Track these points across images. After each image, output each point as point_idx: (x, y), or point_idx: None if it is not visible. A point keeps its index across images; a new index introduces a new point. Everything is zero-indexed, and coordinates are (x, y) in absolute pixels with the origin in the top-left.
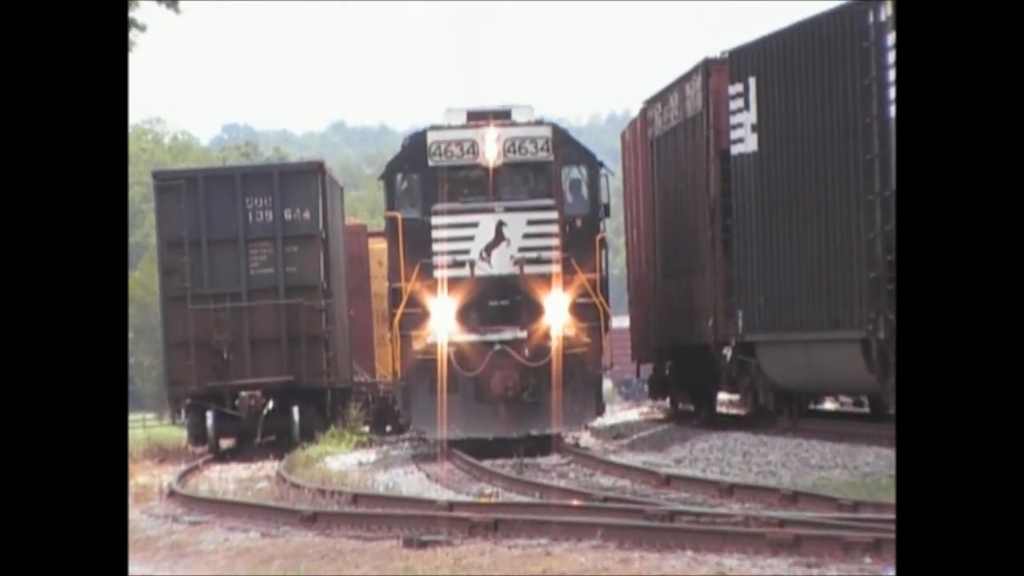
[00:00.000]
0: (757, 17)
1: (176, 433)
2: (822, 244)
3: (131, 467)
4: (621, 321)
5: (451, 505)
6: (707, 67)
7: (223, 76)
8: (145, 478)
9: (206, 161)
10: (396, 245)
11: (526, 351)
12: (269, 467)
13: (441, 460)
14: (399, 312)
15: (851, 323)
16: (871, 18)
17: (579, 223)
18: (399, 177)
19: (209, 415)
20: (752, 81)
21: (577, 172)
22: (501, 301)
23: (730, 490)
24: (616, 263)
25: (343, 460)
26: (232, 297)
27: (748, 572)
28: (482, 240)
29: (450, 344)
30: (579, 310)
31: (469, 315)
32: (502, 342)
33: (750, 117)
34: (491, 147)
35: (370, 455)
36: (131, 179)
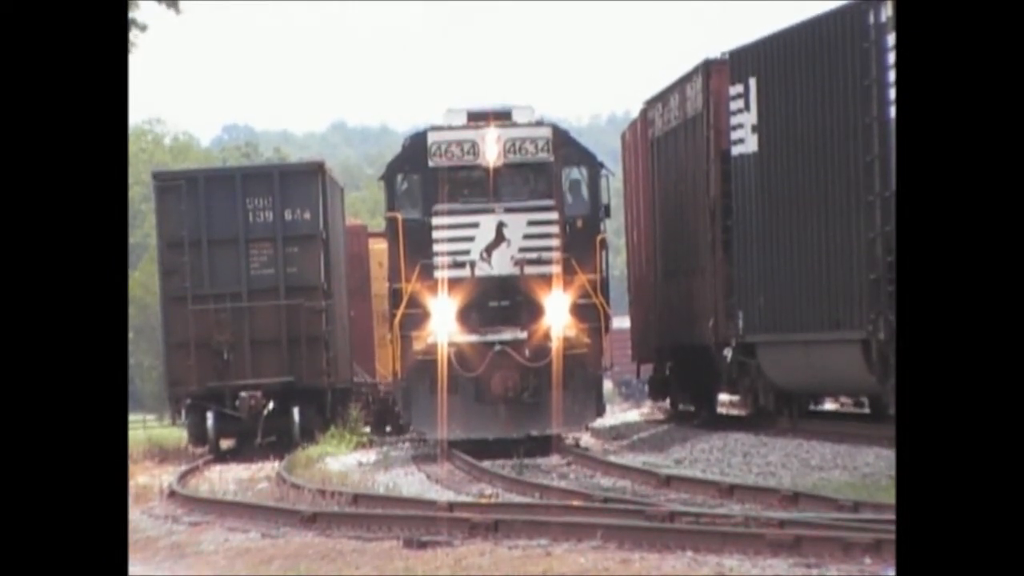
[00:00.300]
0: (757, 18)
1: (176, 433)
2: (822, 245)
3: (131, 467)
4: (621, 322)
5: (451, 506)
6: (707, 68)
7: (223, 76)
8: (145, 478)
9: (206, 161)
10: (396, 246)
11: (526, 352)
12: (269, 467)
13: (441, 461)
14: (399, 313)
15: (851, 324)
16: (871, 19)
17: (579, 224)
18: (399, 178)
19: (209, 415)
20: (752, 82)
21: (577, 173)
22: (501, 302)
23: (730, 491)
24: (616, 264)
25: (343, 461)
26: (232, 297)
27: (748, 573)
28: (482, 241)
29: (450, 345)
30: (579, 311)
31: (469, 316)
32: (502, 343)
33: (750, 118)
34: (491, 148)
35: (370, 456)
36: (131, 179)
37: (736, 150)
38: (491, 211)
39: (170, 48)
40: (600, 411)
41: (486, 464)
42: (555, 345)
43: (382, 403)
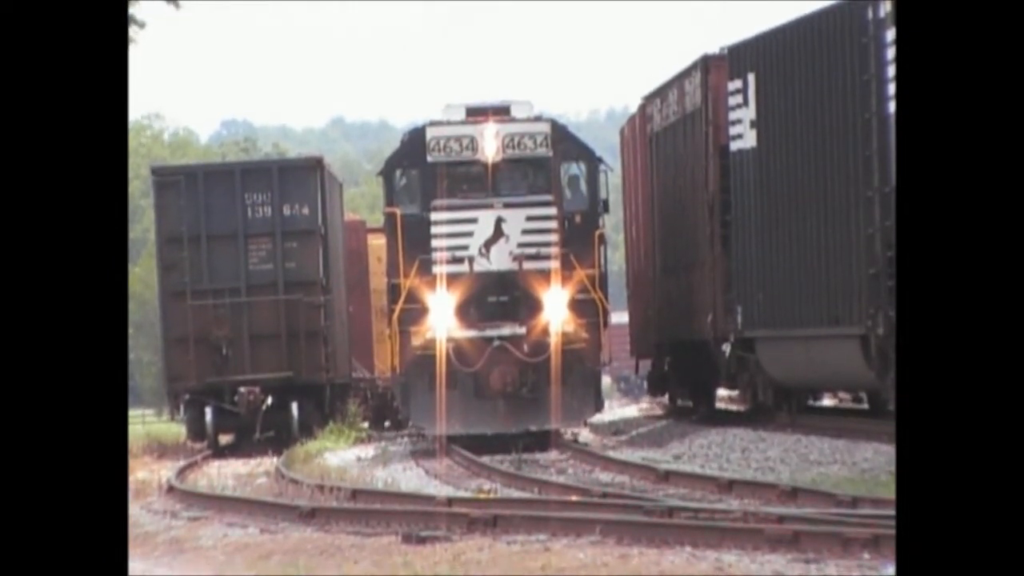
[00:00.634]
0: (756, 14)
1: (175, 429)
2: (821, 240)
3: (130, 463)
4: (620, 317)
5: (450, 501)
6: (706, 63)
7: (222, 72)
8: (144, 474)
9: (205, 157)
10: (395, 241)
11: (525, 347)
12: (268, 463)
13: (440, 456)
14: (398, 308)
15: (850, 319)
16: (870, 14)
17: (578, 219)
18: (398, 173)
19: (208, 411)
20: (751, 77)
21: (576, 168)
22: (500, 297)
23: (729, 486)
24: (615, 259)
25: (342, 456)
26: (231, 293)
27: (747, 568)
28: (481, 236)
29: (449, 340)
30: (578, 306)
31: (468, 311)
32: (501, 338)
33: (749, 113)
34: (490, 143)
35: (369, 451)
36: (130, 174)
37: (735, 145)
38: (490, 206)
39: (169, 44)
40: (599, 406)
41: (485, 459)
42: (554, 340)
43: (381, 398)
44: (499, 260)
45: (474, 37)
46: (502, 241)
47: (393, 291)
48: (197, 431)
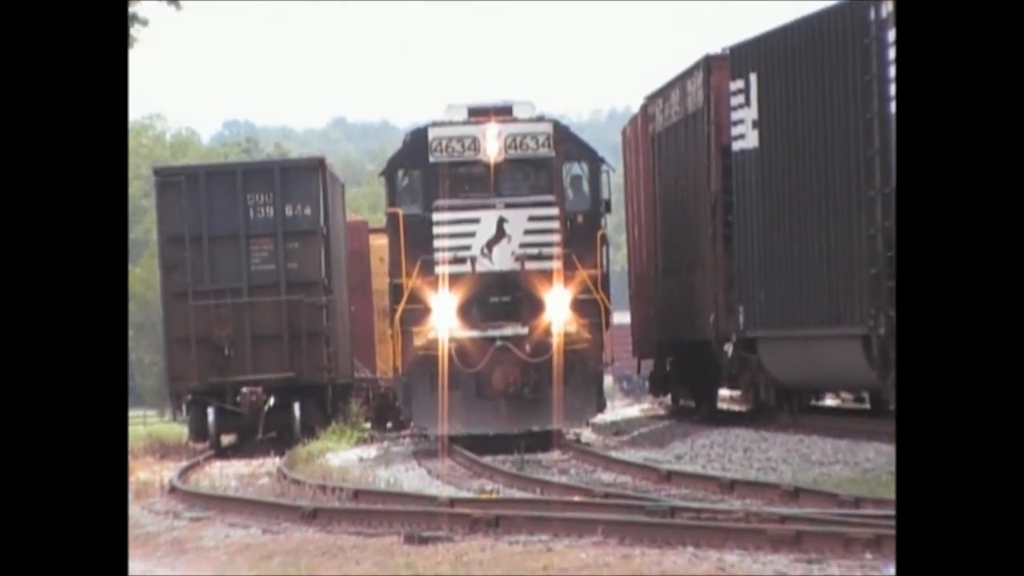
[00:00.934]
0: (758, 14)
1: (177, 429)
2: (823, 240)
3: (132, 463)
4: (622, 317)
5: (452, 501)
6: (708, 63)
7: (224, 72)
8: (146, 474)
9: (207, 157)
10: (397, 241)
11: (527, 347)
12: (270, 463)
13: (442, 456)
14: (400, 308)
15: (852, 319)
16: (872, 14)
17: (580, 219)
18: (400, 173)
19: (210, 411)
20: (753, 77)
21: (578, 168)
22: (502, 297)
23: (731, 486)
24: (617, 259)
25: (344, 456)
26: (233, 293)
27: (749, 568)
28: (483, 236)
29: (451, 340)
30: (580, 306)
31: (470, 311)
32: (503, 338)
33: (751, 113)
34: (492, 143)
35: (371, 451)
36: (131, 174)
37: (737, 145)
38: (492, 207)
39: (171, 44)
40: (601, 407)
41: (487, 460)
42: (556, 341)
43: (383, 399)
44: (501, 260)
45: (476, 37)
46: (504, 241)
47: (395, 291)
48: (199, 431)
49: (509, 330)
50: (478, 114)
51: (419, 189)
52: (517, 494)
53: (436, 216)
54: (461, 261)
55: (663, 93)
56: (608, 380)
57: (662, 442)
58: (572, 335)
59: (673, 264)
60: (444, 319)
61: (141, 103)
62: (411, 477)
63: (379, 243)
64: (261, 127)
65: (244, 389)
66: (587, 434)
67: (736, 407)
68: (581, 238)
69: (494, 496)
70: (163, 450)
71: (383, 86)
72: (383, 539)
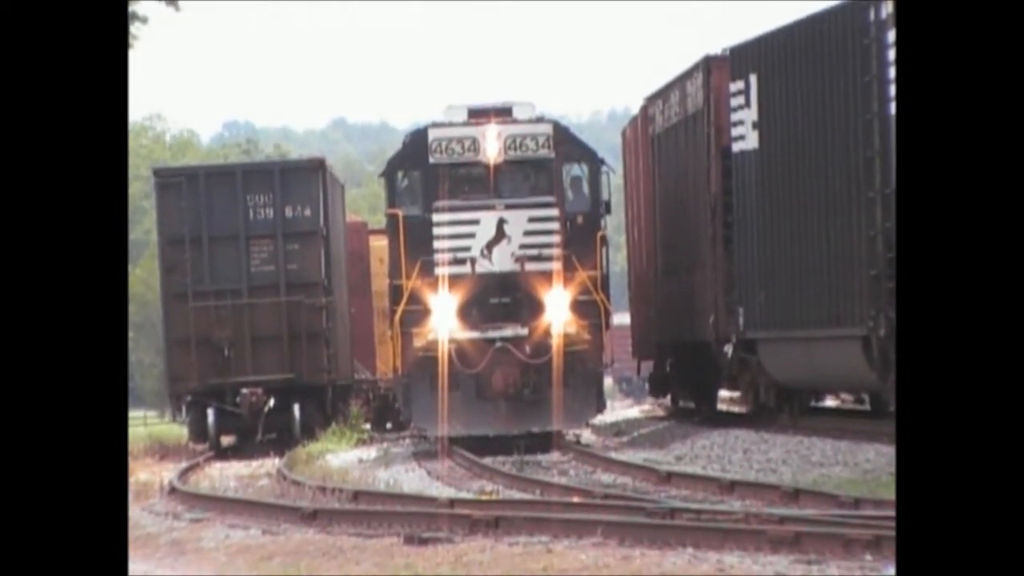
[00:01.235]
0: (759, 15)
1: (177, 430)
2: (823, 241)
3: (132, 464)
4: (622, 318)
5: (452, 502)
6: (708, 64)
7: (224, 73)
8: (146, 475)
9: (207, 158)
10: (397, 242)
11: (527, 348)
12: (270, 464)
13: (442, 457)
14: (400, 309)
15: (852, 320)
16: (872, 15)
17: (580, 220)
18: (400, 174)
19: (210, 412)
20: (753, 78)
21: (578, 169)
22: (502, 298)
23: (731, 487)
24: (617, 260)
25: (344, 457)
26: (233, 294)
27: (749, 569)
28: (483, 237)
29: (451, 341)
30: (580, 307)
31: (470, 312)
32: (503, 339)
33: (751, 114)
34: (492, 144)
35: (371, 452)
36: (131, 175)
37: (737, 147)
38: (492, 208)
39: (170, 45)
40: (600, 407)
41: (487, 461)
42: (556, 342)
43: (383, 400)
44: (501, 261)
45: (475, 38)
46: (504, 242)
47: (395, 292)
48: (199, 433)
49: (509, 331)
50: (478, 115)
51: (419, 190)
52: (517, 495)
53: (436, 217)
54: (461, 262)
55: (663, 94)
56: (608, 381)
57: (662, 443)
58: (572, 336)
59: (673, 265)
60: (444, 320)
61: (141, 104)
62: (411, 478)
63: (379, 244)
64: (261, 128)
65: (244, 390)
66: (587, 435)
67: (736, 408)
68: (581, 239)
69: (494, 497)
70: (163, 451)
71: (383, 87)
72: (383, 540)
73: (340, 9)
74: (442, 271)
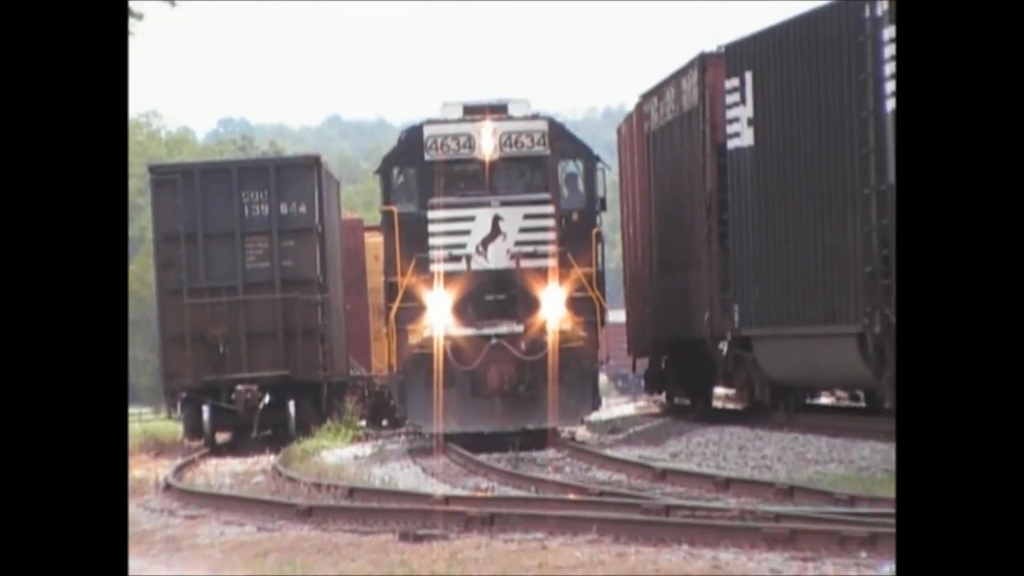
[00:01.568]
0: (754, 12)
1: (172, 427)
2: (818, 238)
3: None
4: (617, 315)
5: (447, 499)
6: (703, 61)
7: (219, 70)
8: (141, 472)
9: (202, 155)
10: (392, 239)
11: (522, 345)
12: (265, 461)
13: (437, 454)
14: (395, 306)
15: (847, 317)
16: (867, 13)
17: (575, 217)
18: (395, 171)
19: (205, 409)
20: (748, 75)
21: (573, 166)
22: (497, 295)
23: (726, 484)
24: (612, 257)
25: (339, 454)
26: (228, 291)
27: (744, 566)
28: (478, 234)
29: (446, 338)
30: (575, 304)
31: (465, 309)
32: (498, 336)
33: (746, 111)
34: (487, 141)
35: (366, 449)
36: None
37: (732, 144)
38: (487, 204)
39: (166, 42)
40: (596, 405)
41: (482, 457)
42: (551, 339)
43: (378, 396)
44: (496, 258)
45: (471, 35)
46: (499, 239)
47: (390, 289)
48: (194, 429)
49: (504, 328)
50: (473, 112)
51: (414, 187)
52: (512, 492)
53: (431, 214)
54: (456, 259)
55: (658, 91)
56: (603, 378)
57: (657, 440)
58: (567, 333)
59: (668, 262)
60: (439, 317)
61: (137, 101)
62: (406, 475)
63: (374, 241)
64: (257, 125)
65: (239, 387)
66: (582, 432)
67: (731, 405)
68: (576, 236)
69: (489, 494)
70: (158, 448)
71: (379, 84)
72: (378, 537)
73: (336, 6)
74: (437, 268)
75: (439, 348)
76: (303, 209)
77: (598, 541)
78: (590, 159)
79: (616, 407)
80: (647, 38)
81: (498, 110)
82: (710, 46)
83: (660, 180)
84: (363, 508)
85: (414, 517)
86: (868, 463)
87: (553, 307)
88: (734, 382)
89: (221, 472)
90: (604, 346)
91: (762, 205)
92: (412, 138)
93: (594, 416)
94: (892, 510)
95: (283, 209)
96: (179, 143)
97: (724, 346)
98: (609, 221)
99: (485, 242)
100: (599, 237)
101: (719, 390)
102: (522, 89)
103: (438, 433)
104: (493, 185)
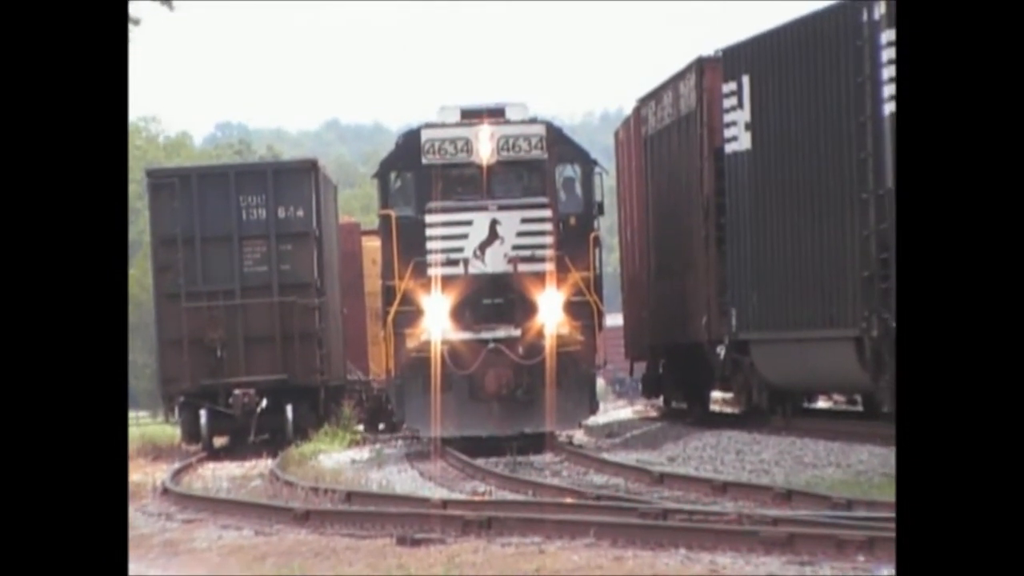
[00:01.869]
0: (752, 16)
1: (170, 431)
2: (816, 242)
3: None
4: (615, 319)
5: (445, 503)
6: (701, 65)
7: (217, 74)
8: (139, 476)
9: (200, 159)
10: (390, 243)
11: (520, 349)
12: (262, 465)
13: (434, 458)
14: (393, 310)
15: (845, 321)
16: (865, 16)
17: (573, 221)
18: (393, 175)
19: (203, 413)
20: (746, 79)
21: (571, 170)
22: (495, 299)
23: (724, 488)
24: (610, 261)
25: (336, 458)
26: (226, 295)
27: (741, 570)
28: (476, 238)
29: (444, 342)
30: (573, 308)
31: (463, 313)
32: (496, 340)
33: (744, 115)
34: (485, 145)
35: (363, 453)
36: None
37: (729, 148)
38: (484, 208)
39: (164, 46)
40: (593, 409)
41: (479, 462)
42: (548, 343)
43: (375, 400)
44: (494, 262)
45: (469, 39)
46: (497, 243)
47: (388, 293)
48: (192, 433)
49: (502, 332)
50: (471, 116)
51: (412, 191)
52: (509, 496)
53: (429, 218)
54: (454, 263)
55: (656, 95)
56: (601, 382)
57: (655, 444)
58: (565, 337)
59: (666, 266)
60: (437, 321)
61: (135, 105)
62: (403, 479)
63: (372, 245)
64: (254, 129)
65: (236, 391)
66: (580, 436)
67: (729, 409)
68: (574, 240)
69: (486, 498)
70: (156, 452)
71: (376, 88)
72: (375, 541)
73: (334, 10)
74: (435, 272)
75: (437, 352)
76: (300, 213)
77: (596, 545)
78: (588, 163)
79: (614, 411)
80: (646, 41)
81: (495, 114)
82: (709, 48)
83: (658, 184)
84: (360, 512)
85: (411, 521)
86: (866, 467)
87: (551, 311)
88: (731, 386)
89: (219, 476)
90: (602, 350)
91: (759, 209)
92: (409, 142)
93: (592, 420)
94: (890, 514)
95: (280, 213)
96: (177, 147)
97: (721, 350)
98: (607, 225)
99: (483, 246)
100: (597, 241)
101: (716, 394)
102: (519, 93)
103: (436, 437)
104: (491, 189)
